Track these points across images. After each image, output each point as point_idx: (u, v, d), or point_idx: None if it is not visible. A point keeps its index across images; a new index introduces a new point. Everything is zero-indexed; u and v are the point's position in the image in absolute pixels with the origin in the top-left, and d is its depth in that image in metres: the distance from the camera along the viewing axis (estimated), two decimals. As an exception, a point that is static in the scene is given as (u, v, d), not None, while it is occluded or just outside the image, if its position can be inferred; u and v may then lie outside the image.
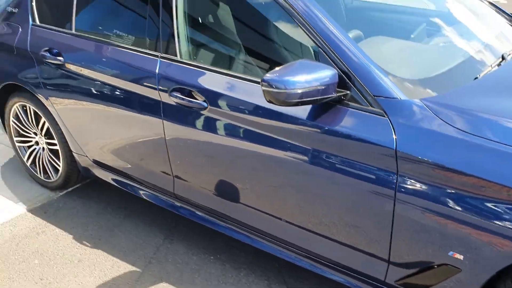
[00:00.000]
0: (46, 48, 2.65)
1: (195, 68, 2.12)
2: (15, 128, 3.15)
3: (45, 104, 2.77)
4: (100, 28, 2.53)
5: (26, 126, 3.07)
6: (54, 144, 2.95)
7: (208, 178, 2.24)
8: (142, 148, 2.43)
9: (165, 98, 2.18)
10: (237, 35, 2.20)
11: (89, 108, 2.54)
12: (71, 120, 2.69)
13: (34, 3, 2.79)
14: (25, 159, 3.20)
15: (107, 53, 2.42)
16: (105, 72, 2.40)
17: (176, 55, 2.18)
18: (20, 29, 2.82)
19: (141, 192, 2.65)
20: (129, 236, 2.72)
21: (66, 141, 2.84)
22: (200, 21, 2.27)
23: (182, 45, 2.18)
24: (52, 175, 3.06)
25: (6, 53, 2.90)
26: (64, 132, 2.79)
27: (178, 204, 2.48)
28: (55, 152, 2.99)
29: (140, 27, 2.35)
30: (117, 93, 2.38)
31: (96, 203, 3.02)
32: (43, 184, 3.18)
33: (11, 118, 3.11)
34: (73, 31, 2.59)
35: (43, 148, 3.06)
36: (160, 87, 2.18)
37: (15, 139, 3.19)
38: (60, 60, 2.58)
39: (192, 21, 2.22)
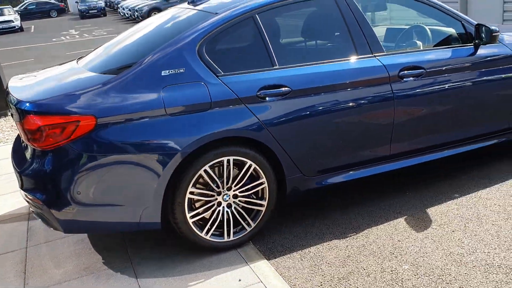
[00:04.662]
0: (261, 87, 2.85)
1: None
2: (190, 201, 2.82)
3: (265, 143, 2.88)
4: (304, 55, 3.09)
5: (210, 189, 2.85)
6: (252, 188, 2.96)
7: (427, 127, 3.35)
8: (367, 133, 3.18)
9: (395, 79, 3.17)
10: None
11: (321, 122, 3.02)
12: (295, 143, 2.97)
13: (207, 57, 2.82)
14: (202, 234, 2.88)
15: (325, 70, 3.05)
16: (333, 85, 3.03)
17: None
18: (205, 84, 2.76)
19: (357, 171, 3.25)
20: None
21: (273, 175, 3.00)
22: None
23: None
24: (248, 224, 2.99)
25: (196, 113, 2.73)
26: (282, 161, 2.97)
27: (392, 162, 3.35)
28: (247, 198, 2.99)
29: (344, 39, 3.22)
30: (347, 97, 3.08)
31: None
32: (232, 245, 3.00)
33: (189, 189, 2.77)
34: (277, 66, 2.94)
35: (228, 204, 2.93)
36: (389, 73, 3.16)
37: (188, 215, 2.81)
38: (285, 91, 2.89)
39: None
